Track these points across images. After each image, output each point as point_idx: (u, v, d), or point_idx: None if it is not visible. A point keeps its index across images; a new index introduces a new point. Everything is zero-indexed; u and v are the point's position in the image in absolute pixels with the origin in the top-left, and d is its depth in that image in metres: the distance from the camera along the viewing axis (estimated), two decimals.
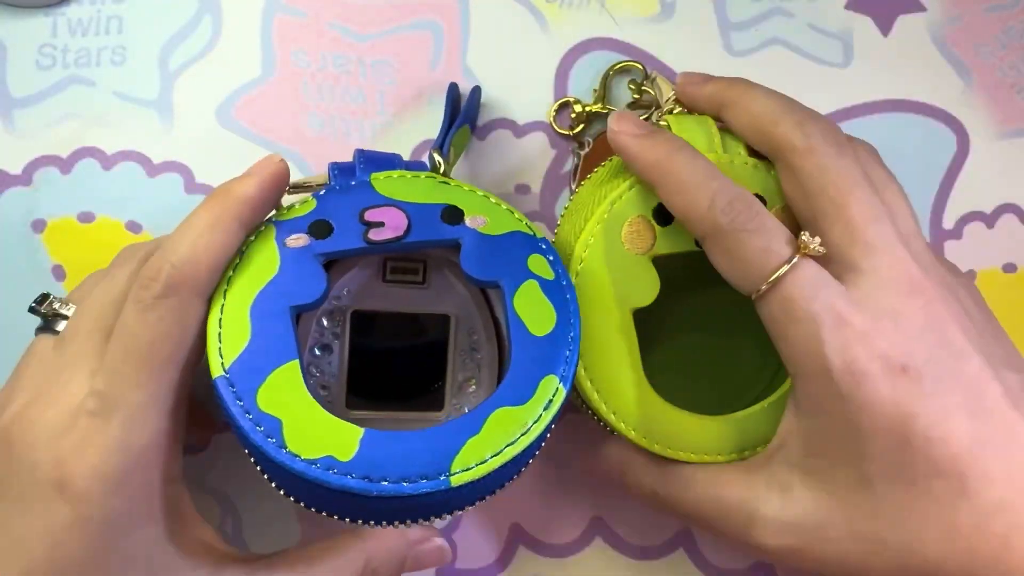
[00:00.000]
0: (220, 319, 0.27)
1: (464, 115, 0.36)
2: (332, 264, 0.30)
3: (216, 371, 0.26)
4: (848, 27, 0.39)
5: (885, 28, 0.39)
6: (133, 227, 0.37)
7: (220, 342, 0.27)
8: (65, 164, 0.37)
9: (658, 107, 0.36)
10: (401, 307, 0.32)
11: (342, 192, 0.30)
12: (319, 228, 0.29)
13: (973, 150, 0.39)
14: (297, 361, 0.27)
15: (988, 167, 0.39)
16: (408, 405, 0.32)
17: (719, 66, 0.39)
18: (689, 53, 0.39)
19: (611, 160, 0.34)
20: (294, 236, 0.29)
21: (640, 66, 0.38)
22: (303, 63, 0.38)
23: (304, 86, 0.38)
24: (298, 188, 0.31)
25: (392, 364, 0.33)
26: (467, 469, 0.26)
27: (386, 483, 0.25)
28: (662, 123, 0.33)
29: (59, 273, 0.37)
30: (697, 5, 0.39)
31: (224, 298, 0.27)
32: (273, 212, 0.30)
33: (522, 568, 0.37)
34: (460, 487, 0.26)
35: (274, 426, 0.26)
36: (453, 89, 0.37)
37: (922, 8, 0.40)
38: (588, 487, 0.38)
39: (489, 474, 0.26)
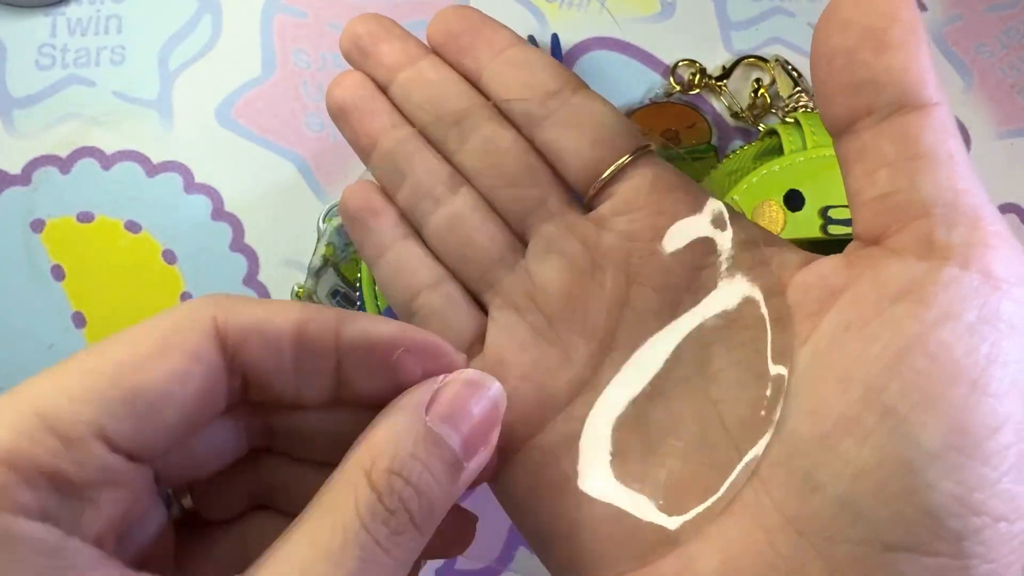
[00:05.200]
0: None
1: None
2: None
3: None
4: None
5: None
6: (132, 227, 0.37)
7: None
8: (64, 164, 0.37)
9: (774, 105, 0.37)
10: None
11: None
12: None
13: (974, 150, 0.39)
14: None
15: (989, 167, 0.39)
16: None
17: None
18: (689, 52, 0.39)
19: (742, 150, 0.36)
20: None
21: (769, 62, 0.39)
22: (303, 63, 0.38)
23: (304, 86, 0.38)
24: None
25: None
26: None
27: None
28: (788, 120, 0.34)
29: (58, 273, 0.37)
30: (697, 4, 0.39)
31: None
32: None
33: (522, 568, 0.37)
34: None
35: None
36: (555, 39, 0.38)
37: (922, 8, 0.40)
38: None
39: None
